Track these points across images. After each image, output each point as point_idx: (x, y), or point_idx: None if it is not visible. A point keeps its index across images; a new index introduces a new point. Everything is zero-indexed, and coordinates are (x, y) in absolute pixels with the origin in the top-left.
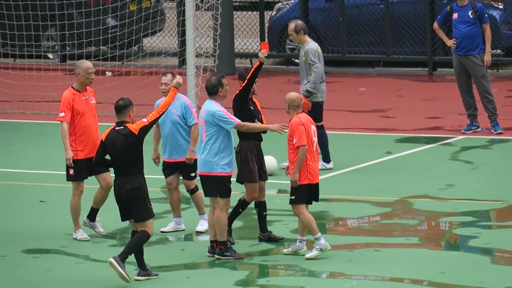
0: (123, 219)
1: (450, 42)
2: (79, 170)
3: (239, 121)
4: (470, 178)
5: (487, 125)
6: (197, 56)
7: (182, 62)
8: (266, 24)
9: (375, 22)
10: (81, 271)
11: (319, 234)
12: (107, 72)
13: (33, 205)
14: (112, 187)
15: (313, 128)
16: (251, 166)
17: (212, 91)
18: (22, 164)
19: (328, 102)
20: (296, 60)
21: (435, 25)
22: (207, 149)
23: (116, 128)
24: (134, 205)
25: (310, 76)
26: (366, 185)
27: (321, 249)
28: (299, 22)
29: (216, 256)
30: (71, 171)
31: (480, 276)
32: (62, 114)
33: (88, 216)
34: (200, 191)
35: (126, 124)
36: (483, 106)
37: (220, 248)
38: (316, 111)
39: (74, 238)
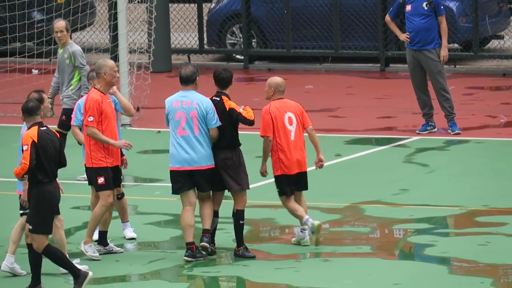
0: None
1: (403, 36)
2: (109, 179)
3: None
4: (426, 182)
5: (443, 125)
6: (130, 52)
7: (115, 58)
8: (205, 18)
9: (323, 15)
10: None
11: (305, 217)
12: (33, 70)
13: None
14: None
15: (289, 115)
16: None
17: (192, 78)
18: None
19: None
20: (238, 56)
21: (387, 17)
22: (205, 142)
23: (41, 128)
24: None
25: (73, 80)
26: (314, 190)
27: (312, 232)
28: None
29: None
30: (101, 180)
31: (437, 287)
32: (91, 119)
33: (99, 243)
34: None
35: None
36: (439, 105)
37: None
38: None
39: (82, 251)
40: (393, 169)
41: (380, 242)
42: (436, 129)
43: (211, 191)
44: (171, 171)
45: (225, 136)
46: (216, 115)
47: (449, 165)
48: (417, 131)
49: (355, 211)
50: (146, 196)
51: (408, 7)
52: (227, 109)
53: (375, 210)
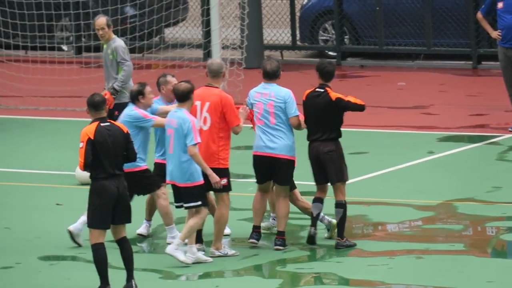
0: (108, 225)
1: (495, 34)
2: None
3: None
4: None
5: None
6: (223, 48)
7: (207, 54)
8: (298, 14)
9: (415, 12)
10: None
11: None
12: None
13: (49, 208)
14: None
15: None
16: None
17: (277, 74)
18: (35, 164)
19: (365, 98)
20: (331, 53)
21: (479, 15)
22: (283, 132)
23: (102, 124)
24: (128, 205)
25: (119, 75)
26: (407, 187)
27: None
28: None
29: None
30: (224, 181)
31: None
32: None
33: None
34: None
35: (110, 120)
36: None
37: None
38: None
39: (224, 255)
40: (486, 166)
41: (473, 239)
42: None
43: (270, 185)
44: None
45: (330, 128)
46: (294, 105)
47: None
48: (510, 129)
49: (448, 208)
50: (239, 192)
51: (500, 5)
52: (334, 99)
53: (468, 207)
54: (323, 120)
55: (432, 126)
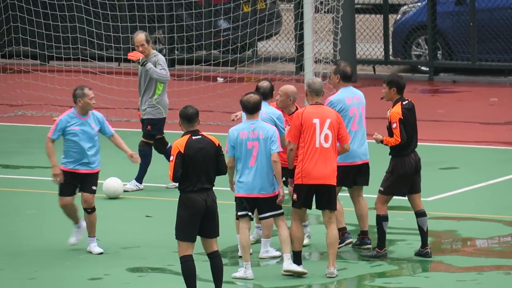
0: (195, 237)
1: None
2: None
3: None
4: None
5: None
6: (315, 62)
7: (300, 68)
8: (391, 29)
9: (508, 27)
10: None
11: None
12: (218, 78)
13: (137, 220)
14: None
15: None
16: None
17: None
18: (124, 177)
19: (457, 113)
20: (423, 68)
21: None
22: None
23: (193, 137)
24: (216, 218)
25: (156, 90)
26: (497, 203)
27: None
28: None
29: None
30: (296, 196)
31: None
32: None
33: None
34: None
35: (202, 133)
36: None
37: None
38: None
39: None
40: None
41: None
42: None
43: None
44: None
45: (415, 138)
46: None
47: None
48: None
49: None
50: None
51: None
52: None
53: None
54: (411, 132)
55: None
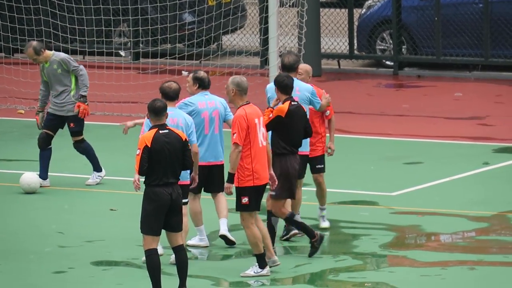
0: (159, 231)
1: None
2: None
3: None
4: None
5: None
6: (280, 55)
7: (264, 62)
8: (355, 23)
9: (473, 22)
10: None
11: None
12: (183, 72)
13: (102, 213)
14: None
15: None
16: None
17: (294, 66)
18: (89, 170)
19: (422, 108)
20: (388, 62)
21: None
22: None
23: (160, 131)
24: (180, 212)
25: (72, 86)
26: (461, 198)
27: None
28: (35, 42)
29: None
30: (247, 199)
31: None
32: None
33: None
34: None
35: (169, 127)
36: None
37: None
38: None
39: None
40: None
41: None
42: None
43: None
44: None
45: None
46: None
47: None
48: None
49: (502, 220)
50: None
51: None
52: None
53: None
54: None
55: (488, 137)
